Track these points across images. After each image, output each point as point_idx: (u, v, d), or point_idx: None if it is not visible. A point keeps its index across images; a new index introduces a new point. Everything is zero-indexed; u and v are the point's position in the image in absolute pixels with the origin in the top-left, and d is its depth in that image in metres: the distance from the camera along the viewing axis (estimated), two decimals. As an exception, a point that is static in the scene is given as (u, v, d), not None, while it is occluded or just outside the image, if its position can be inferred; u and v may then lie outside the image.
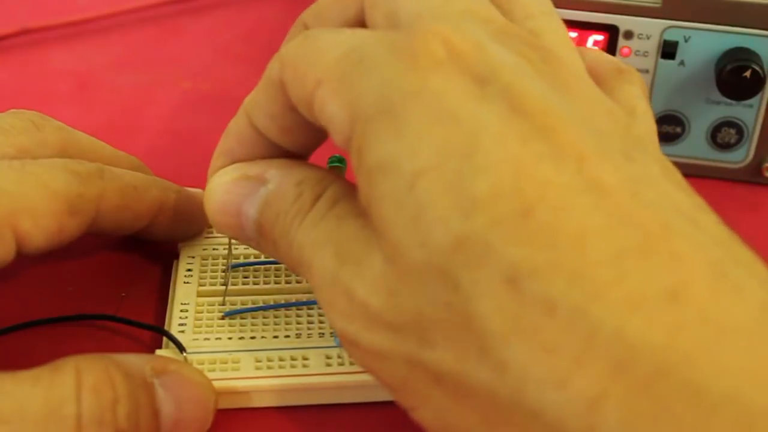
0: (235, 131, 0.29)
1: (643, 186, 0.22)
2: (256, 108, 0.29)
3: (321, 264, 0.25)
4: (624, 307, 0.20)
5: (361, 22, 0.28)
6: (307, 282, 0.28)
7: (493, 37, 0.25)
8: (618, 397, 0.19)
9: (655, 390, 0.19)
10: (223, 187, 0.29)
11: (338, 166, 0.32)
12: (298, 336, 0.31)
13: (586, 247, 0.21)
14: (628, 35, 0.39)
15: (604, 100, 0.25)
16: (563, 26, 0.28)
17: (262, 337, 0.31)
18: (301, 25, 0.31)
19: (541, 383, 0.20)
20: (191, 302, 0.32)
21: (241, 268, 0.34)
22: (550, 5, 0.28)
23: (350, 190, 0.27)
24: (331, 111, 0.25)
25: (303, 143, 0.29)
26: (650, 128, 0.28)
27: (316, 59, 0.25)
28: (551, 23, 0.27)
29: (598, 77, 0.28)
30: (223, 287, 0.33)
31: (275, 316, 0.32)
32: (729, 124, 0.40)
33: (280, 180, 0.28)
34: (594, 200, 0.21)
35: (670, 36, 0.39)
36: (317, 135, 0.28)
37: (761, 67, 0.38)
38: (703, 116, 0.40)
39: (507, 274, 0.21)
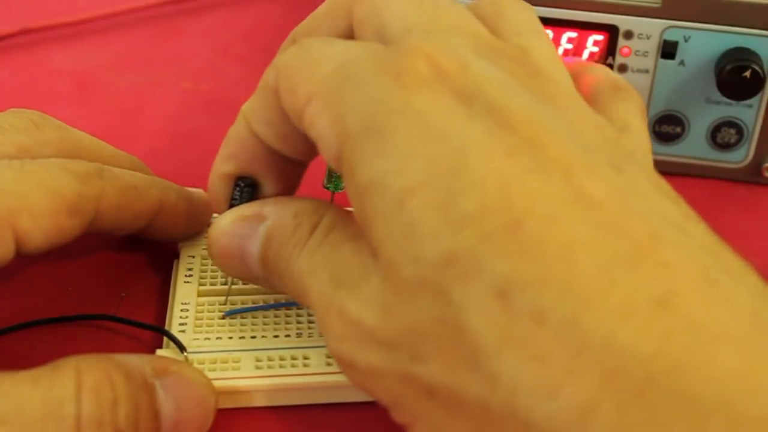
0: (236, 137, 0.30)
1: (632, 196, 0.22)
2: (254, 114, 0.29)
3: (317, 288, 0.26)
4: (614, 316, 0.20)
5: (350, 38, 0.28)
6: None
7: (479, 53, 0.25)
8: (610, 406, 0.20)
9: (647, 398, 0.19)
10: (224, 230, 0.29)
11: (336, 186, 0.32)
12: (298, 335, 0.31)
13: (574, 257, 0.21)
14: (628, 35, 0.39)
15: (592, 115, 0.26)
16: (551, 43, 0.28)
17: (263, 336, 0.31)
18: (291, 41, 0.31)
19: (532, 394, 0.20)
20: (191, 302, 0.32)
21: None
22: (538, 23, 0.29)
23: (345, 216, 0.27)
24: (320, 128, 0.25)
25: (301, 150, 0.29)
26: (642, 144, 0.28)
27: (309, 73, 0.26)
28: (539, 40, 0.28)
29: (595, 93, 0.29)
30: (223, 287, 0.33)
31: (275, 316, 0.32)
32: (729, 124, 0.40)
33: (277, 214, 0.28)
34: (582, 211, 0.21)
35: (670, 36, 0.39)
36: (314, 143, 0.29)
37: (761, 67, 0.38)
38: (703, 116, 0.40)
39: (497, 287, 0.21)
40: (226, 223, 0.29)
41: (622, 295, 0.20)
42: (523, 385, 0.20)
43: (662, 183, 0.24)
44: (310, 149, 0.29)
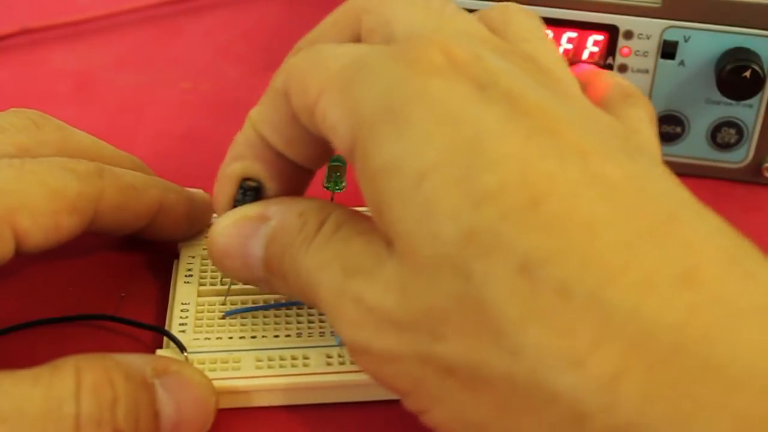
0: (244, 141, 0.30)
1: (647, 181, 0.23)
2: (263, 119, 0.29)
3: (328, 280, 0.26)
4: (638, 289, 0.20)
5: None
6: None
7: (490, 51, 0.25)
8: (637, 374, 0.20)
9: (674, 366, 0.20)
10: (226, 231, 0.29)
11: (338, 165, 0.32)
12: (298, 335, 0.31)
13: (596, 234, 0.21)
14: (628, 35, 0.39)
15: (602, 113, 0.26)
16: (558, 50, 0.29)
17: (263, 336, 0.31)
18: (296, 52, 0.31)
19: (558, 365, 0.21)
20: (192, 302, 0.32)
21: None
22: (544, 31, 0.29)
23: (352, 214, 0.27)
24: (333, 119, 0.25)
25: (309, 155, 0.29)
26: (652, 145, 0.28)
27: (320, 70, 0.26)
28: (545, 47, 0.28)
29: (605, 100, 0.29)
30: (224, 287, 0.33)
31: (275, 316, 0.32)
32: (729, 124, 0.40)
33: (282, 214, 0.28)
34: (601, 192, 0.22)
35: (670, 36, 0.39)
36: (323, 148, 0.29)
37: (761, 67, 0.38)
38: (703, 116, 0.40)
39: (520, 261, 0.21)
40: (228, 224, 0.29)
41: (646, 269, 0.21)
42: (549, 356, 0.21)
43: (673, 175, 0.24)
44: (319, 155, 0.29)
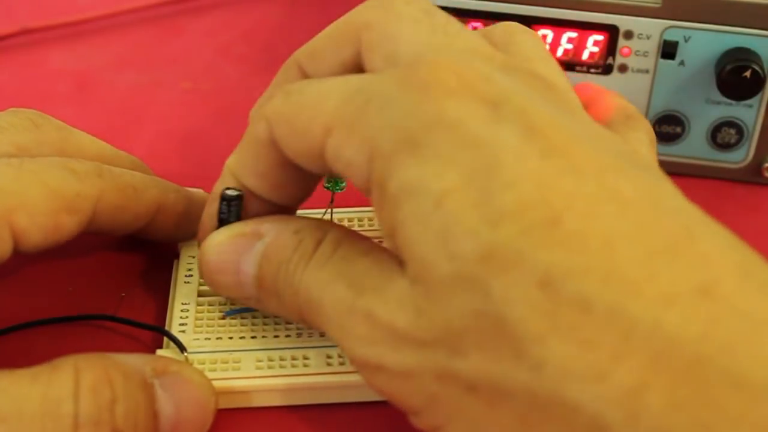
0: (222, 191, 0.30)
1: (661, 196, 0.23)
2: (243, 169, 0.29)
3: (333, 297, 0.26)
4: (659, 302, 0.21)
5: (356, 65, 0.28)
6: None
7: (497, 69, 0.25)
8: (660, 386, 0.20)
9: (697, 377, 0.20)
10: (218, 248, 0.29)
11: (335, 184, 0.32)
12: (298, 335, 0.31)
13: (615, 249, 0.21)
14: (628, 35, 0.39)
15: (606, 131, 0.26)
16: (562, 71, 0.29)
17: (263, 336, 0.31)
18: (294, 64, 0.31)
19: (581, 377, 0.21)
20: (192, 302, 0.32)
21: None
22: (547, 51, 0.29)
23: (349, 233, 0.28)
24: (348, 155, 0.25)
25: (294, 196, 0.30)
26: (655, 162, 0.29)
27: (317, 109, 0.26)
28: (550, 65, 0.28)
29: (607, 119, 0.30)
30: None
31: (275, 316, 0.32)
32: (729, 124, 0.40)
33: (277, 232, 0.28)
34: (618, 209, 0.22)
35: (670, 36, 0.39)
36: (309, 186, 0.29)
37: (761, 67, 0.38)
38: (703, 116, 0.40)
39: (540, 277, 0.21)
40: (221, 240, 0.29)
41: (665, 283, 0.21)
42: (571, 369, 0.21)
43: (678, 190, 0.25)
44: (303, 194, 0.30)
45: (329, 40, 0.29)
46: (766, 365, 0.20)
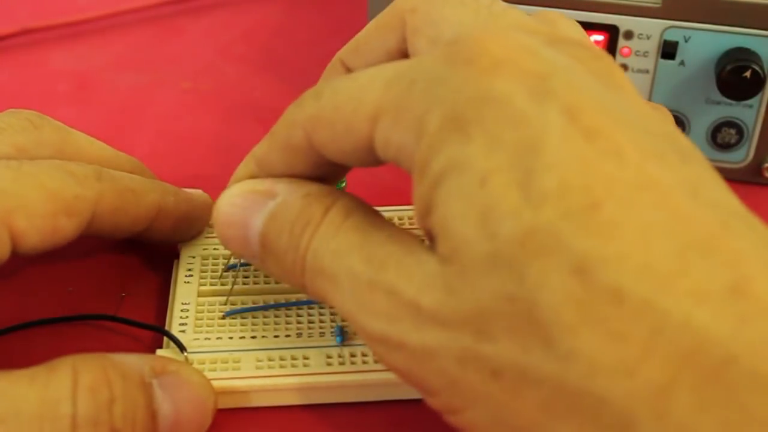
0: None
1: (700, 187, 0.23)
2: (273, 168, 0.29)
3: (349, 271, 0.25)
4: (690, 298, 0.21)
5: (401, 53, 0.29)
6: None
7: (543, 42, 0.25)
8: (687, 385, 0.20)
9: (725, 378, 0.20)
10: (232, 200, 0.29)
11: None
12: (298, 335, 0.31)
13: (651, 240, 0.21)
14: (628, 35, 0.39)
15: (652, 108, 0.26)
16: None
17: (263, 336, 0.31)
18: (338, 62, 0.31)
19: (610, 371, 0.21)
20: (192, 302, 0.32)
21: (242, 268, 0.34)
22: (587, 36, 0.29)
23: (359, 203, 0.27)
24: (399, 139, 0.25)
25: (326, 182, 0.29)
26: (696, 147, 0.28)
27: (359, 102, 0.25)
28: (591, 41, 0.28)
29: None
30: (224, 287, 0.33)
31: (275, 316, 0.32)
32: (729, 124, 0.40)
33: (287, 194, 0.28)
34: (656, 198, 0.22)
35: (670, 36, 0.39)
36: (342, 173, 0.30)
37: (761, 67, 0.38)
38: (703, 116, 0.40)
39: (576, 264, 0.21)
40: (235, 193, 0.29)
41: (698, 279, 0.21)
42: (601, 362, 0.21)
43: (720, 177, 0.25)
44: (336, 181, 0.30)
45: (374, 31, 0.29)
46: None
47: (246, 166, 0.30)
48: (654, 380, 0.20)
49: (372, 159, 0.26)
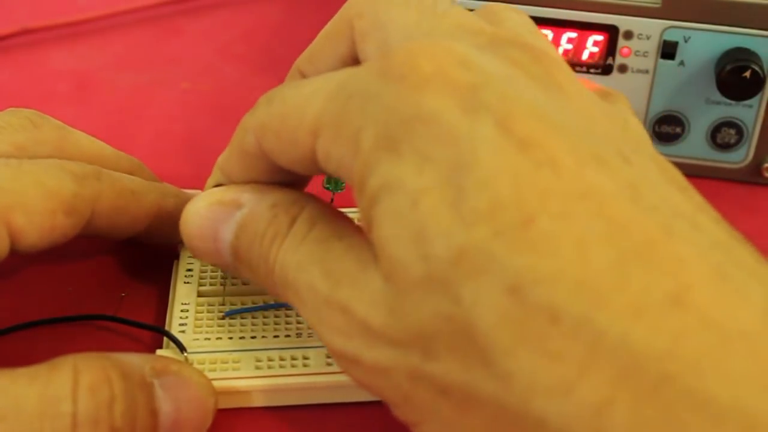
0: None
1: (642, 189, 0.22)
2: (235, 174, 0.29)
3: (309, 285, 0.25)
4: (628, 313, 0.20)
5: (354, 60, 0.28)
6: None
7: (481, 47, 0.25)
8: (625, 403, 0.20)
9: (662, 397, 0.19)
10: (199, 213, 0.29)
11: (335, 185, 0.32)
12: (298, 335, 0.31)
13: (587, 254, 0.21)
14: (628, 35, 0.39)
15: (598, 102, 0.26)
16: (551, 43, 0.28)
17: (263, 336, 0.31)
18: (296, 72, 0.31)
19: (547, 392, 0.20)
20: (191, 302, 0.32)
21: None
22: (535, 27, 0.28)
23: (326, 211, 0.27)
24: (338, 155, 0.25)
25: (291, 187, 0.29)
26: (645, 135, 0.28)
27: (301, 114, 0.25)
28: (538, 40, 0.28)
29: None
30: (223, 287, 0.33)
31: (275, 316, 0.32)
32: (729, 124, 0.40)
33: (254, 203, 0.28)
34: (593, 207, 0.21)
35: (670, 36, 0.39)
36: (304, 181, 0.29)
37: (761, 67, 0.38)
38: (703, 116, 0.40)
39: (510, 283, 0.21)
40: (202, 206, 0.29)
41: (635, 292, 0.20)
42: (538, 383, 0.20)
43: (671, 170, 0.24)
44: (299, 187, 0.30)
45: (325, 39, 0.29)
46: (731, 384, 0.19)
47: (213, 173, 0.30)
48: (591, 400, 0.20)
49: (318, 170, 0.26)
